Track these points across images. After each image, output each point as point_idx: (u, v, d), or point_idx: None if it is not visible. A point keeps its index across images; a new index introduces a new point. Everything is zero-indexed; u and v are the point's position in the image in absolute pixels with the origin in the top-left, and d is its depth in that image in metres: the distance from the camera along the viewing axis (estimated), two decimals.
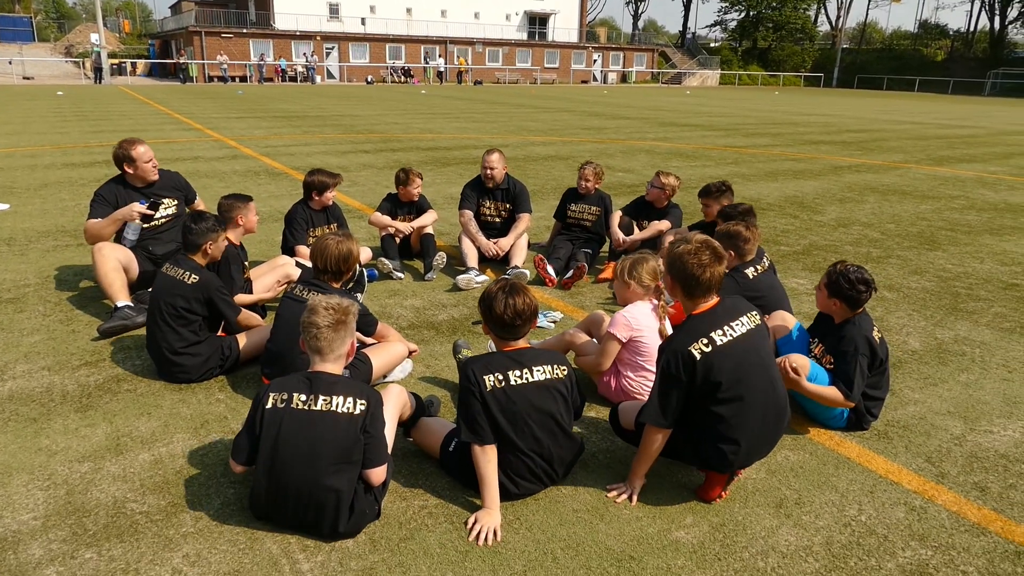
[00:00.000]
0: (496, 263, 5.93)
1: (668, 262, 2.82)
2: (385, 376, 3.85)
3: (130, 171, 4.93)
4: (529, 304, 2.81)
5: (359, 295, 5.00)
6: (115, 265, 4.57)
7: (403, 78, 51.72)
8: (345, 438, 2.54)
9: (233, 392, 3.72)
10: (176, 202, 5.15)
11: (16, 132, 15.08)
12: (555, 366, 2.86)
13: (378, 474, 2.60)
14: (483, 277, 5.58)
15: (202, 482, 2.92)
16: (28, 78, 40.92)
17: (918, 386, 3.96)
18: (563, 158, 13.01)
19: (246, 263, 4.63)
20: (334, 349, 2.67)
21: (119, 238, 4.89)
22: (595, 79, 63.25)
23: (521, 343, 2.88)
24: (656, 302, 3.60)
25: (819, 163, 13.19)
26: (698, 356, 2.66)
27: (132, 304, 4.55)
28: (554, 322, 4.78)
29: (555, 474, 2.91)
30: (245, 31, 48.23)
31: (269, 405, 2.61)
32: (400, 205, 6.08)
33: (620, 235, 5.96)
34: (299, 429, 2.56)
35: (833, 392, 3.28)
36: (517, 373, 2.77)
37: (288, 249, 5.34)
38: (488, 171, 5.89)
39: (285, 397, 2.61)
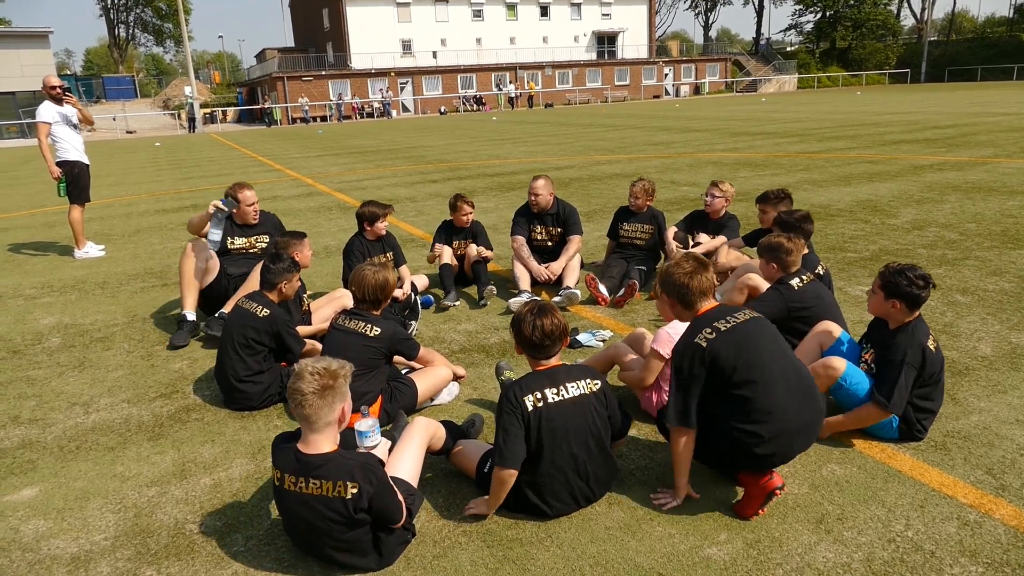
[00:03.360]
0: (549, 285, 6.00)
1: (659, 283, 3.03)
2: (432, 399, 3.97)
3: (234, 211, 5.53)
4: (557, 324, 2.88)
5: (413, 322, 5.17)
6: (190, 277, 5.24)
7: (475, 106, 52.81)
8: (342, 517, 2.51)
9: (290, 420, 3.92)
10: (269, 238, 5.70)
11: (116, 183, 16.32)
12: (588, 380, 2.93)
13: (397, 526, 2.63)
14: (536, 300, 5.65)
15: (255, 503, 3.11)
16: (131, 132, 44.13)
17: (985, 394, 3.75)
18: (628, 176, 12.97)
19: (305, 296, 4.89)
20: (321, 417, 2.50)
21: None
22: (667, 93, 62.65)
23: (554, 361, 2.94)
24: None
25: (898, 164, 12.62)
26: (704, 344, 2.78)
27: (195, 321, 5.20)
28: (603, 340, 4.79)
29: (591, 493, 2.93)
30: (324, 73, 50.52)
31: (275, 480, 2.62)
32: (455, 231, 6.25)
33: (673, 246, 5.92)
34: (296, 509, 2.57)
35: (867, 412, 3.19)
36: (553, 391, 2.84)
37: (347, 281, 5.61)
38: (533, 197, 5.97)
39: (279, 476, 2.58)
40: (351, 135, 30.40)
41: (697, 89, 63.59)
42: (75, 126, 8.32)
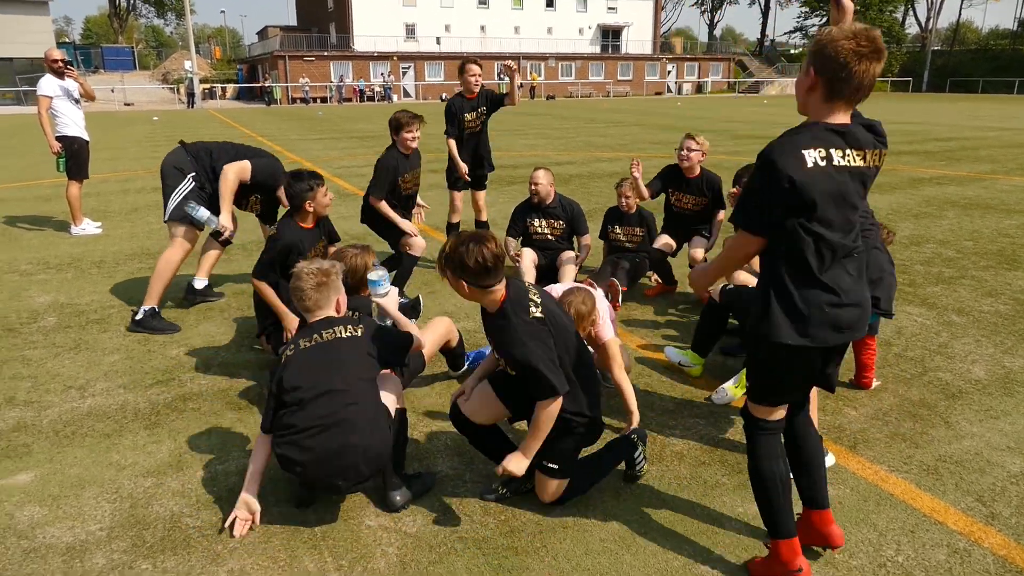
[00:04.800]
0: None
1: (813, 50, 2.28)
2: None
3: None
4: (500, 247, 2.74)
5: (415, 320, 5.17)
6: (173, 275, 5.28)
7: None
8: (354, 356, 2.93)
9: None
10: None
11: (113, 158, 16.19)
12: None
13: (417, 344, 3.27)
14: None
15: None
16: (128, 104, 43.78)
17: (977, 418, 3.79)
18: (628, 175, 12.95)
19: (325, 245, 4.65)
20: (322, 306, 3.04)
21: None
22: (669, 90, 62.57)
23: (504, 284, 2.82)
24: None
25: (897, 175, 12.67)
26: (810, 164, 2.22)
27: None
28: None
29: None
30: (326, 54, 50.23)
31: (289, 354, 2.95)
32: (466, 102, 6.68)
33: (644, 191, 5.86)
34: (312, 358, 2.90)
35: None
36: (545, 297, 2.89)
37: (367, 206, 5.77)
38: (532, 187, 5.97)
39: (292, 347, 2.96)
40: (351, 118, 30.24)
41: (699, 88, 63.54)
42: (77, 100, 8.25)
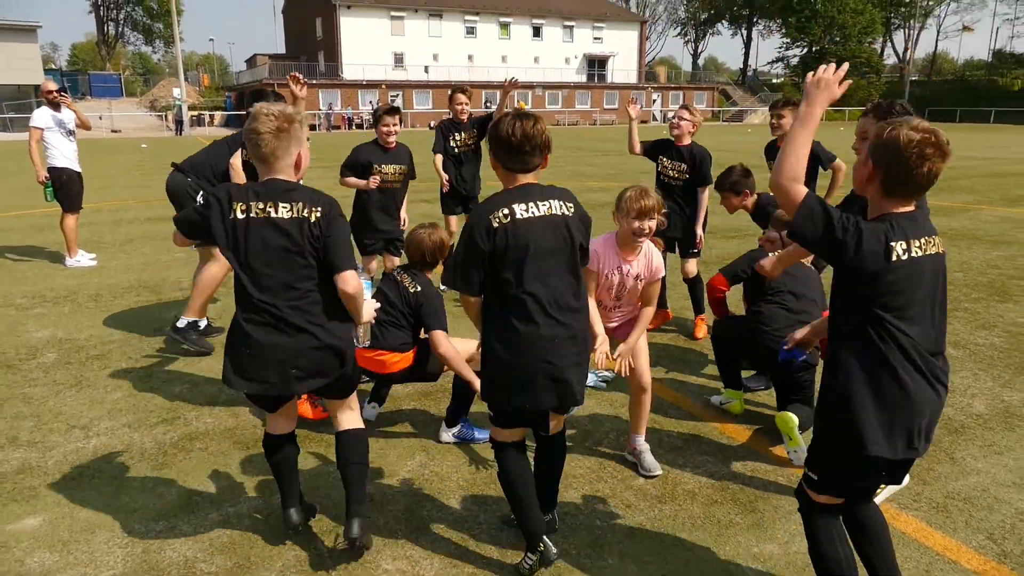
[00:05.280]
0: None
1: (876, 145, 2.22)
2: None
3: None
4: (540, 131, 2.65)
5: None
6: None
7: None
8: (305, 243, 2.61)
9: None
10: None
11: (104, 187, 16.12)
12: (564, 202, 2.72)
13: (346, 279, 2.64)
14: None
15: (264, 544, 3.08)
16: (116, 131, 43.69)
17: (982, 454, 3.84)
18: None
19: None
20: (279, 156, 2.63)
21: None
22: (655, 119, 63.38)
23: (530, 178, 2.70)
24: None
25: None
26: (895, 256, 2.13)
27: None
28: (606, 381, 4.84)
29: (574, 328, 2.67)
30: (315, 82, 50.51)
31: (239, 216, 2.62)
32: (454, 126, 6.75)
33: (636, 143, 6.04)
34: (262, 239, 2.61)
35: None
36: (523, 207, 2.61)
37: (354, 214, 6.14)
38: None
39: (244, 207, 2.62)
40: (341, 146, 30.23)
41: None
42: (71, 132, 8.24)
